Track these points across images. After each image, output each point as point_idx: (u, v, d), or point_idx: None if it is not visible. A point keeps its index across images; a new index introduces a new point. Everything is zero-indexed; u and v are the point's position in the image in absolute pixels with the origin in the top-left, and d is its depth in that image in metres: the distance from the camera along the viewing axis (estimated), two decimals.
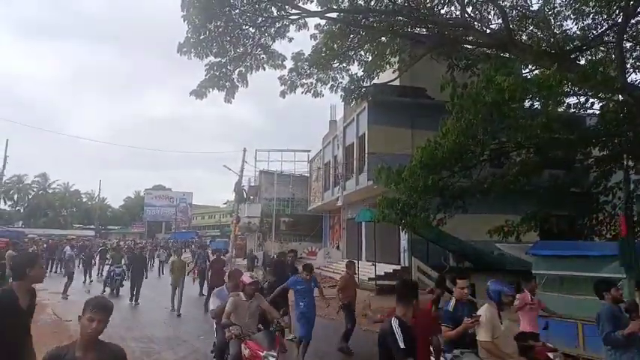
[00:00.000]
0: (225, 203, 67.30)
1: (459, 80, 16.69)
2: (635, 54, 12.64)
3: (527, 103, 10.85)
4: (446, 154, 9.02)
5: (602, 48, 13.57)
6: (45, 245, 24.56)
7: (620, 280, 7.59)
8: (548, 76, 6.50)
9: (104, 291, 14.85)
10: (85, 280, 18.35)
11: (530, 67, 11.81)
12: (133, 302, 13.43)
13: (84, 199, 76.13)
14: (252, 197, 31.82)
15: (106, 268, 17.87)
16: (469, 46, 16.47)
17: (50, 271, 21.32)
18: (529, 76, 9.79)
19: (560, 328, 8.34)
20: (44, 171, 71.38)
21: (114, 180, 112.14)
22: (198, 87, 13.05)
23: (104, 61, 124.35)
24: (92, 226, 57.36)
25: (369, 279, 15.71)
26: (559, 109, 9.70)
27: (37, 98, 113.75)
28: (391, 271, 15.99)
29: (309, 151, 31.82)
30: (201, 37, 12.18)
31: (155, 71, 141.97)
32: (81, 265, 19.62)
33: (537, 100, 8.25)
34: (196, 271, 15.45)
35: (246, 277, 5.58)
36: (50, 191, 70.43)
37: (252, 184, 32.14)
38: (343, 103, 23.96)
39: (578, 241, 10.31)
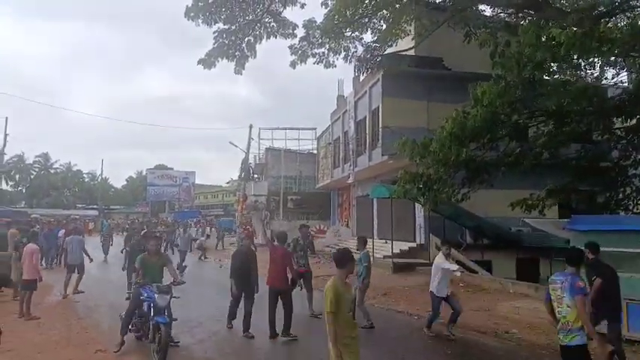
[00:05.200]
0: (229, 182, 66.85)
1: (475, 49, 16.04)
2: None
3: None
4: (478, 123, 8.36)
5: (627, 14, 12.79)
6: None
7: None
8: (609, 30, 5.81)
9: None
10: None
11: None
12: None
13: (86, 179, 75.67)
14: (257, 176, 31.22)
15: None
16: (488, 14, 15.66)
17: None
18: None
19: None
20: (45, 151, 70.71)
21: (115, 160, 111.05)
22: (206, 56, 12.35)
23: (102, 40, 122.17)
24: (95, 206, 57.01)
25: (384, 257, 15.23)
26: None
27: (37, 78, 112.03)
28: (407, 248, 15.54)
29: (314, 128, 31.15)
30: (210, 1, 11.39)
31: (154, 50, 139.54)
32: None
33: (591, 59, 7.51)
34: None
35: None
36: (52, 171, 69.87)
37: (258, 162, 31.50)
38: (353, 77, 23.21)
39: (618, 215, 9.76)
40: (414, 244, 15.73)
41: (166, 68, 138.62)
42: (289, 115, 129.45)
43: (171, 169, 64.95)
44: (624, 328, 7.57)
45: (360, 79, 21.79)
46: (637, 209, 11.87)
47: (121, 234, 28.30)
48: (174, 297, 6.43)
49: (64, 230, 17.44)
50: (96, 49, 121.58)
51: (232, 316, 7.85)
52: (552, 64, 6.50)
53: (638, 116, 11.58)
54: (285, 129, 32.31)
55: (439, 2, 15.35)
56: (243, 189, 23.87)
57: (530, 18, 13.57)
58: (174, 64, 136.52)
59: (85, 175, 75.39)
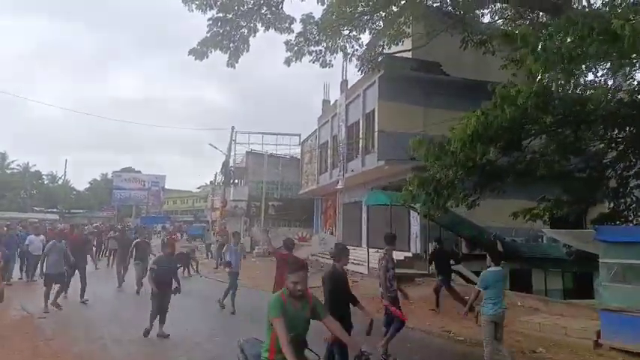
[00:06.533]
0: (199, 187, 64.91)
1: (473, 56, 15.69)
2: None
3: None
4: (505, 123, 7.76)
5: None
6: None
7: None
8: None
9: None
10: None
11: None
12: None
13: (45, 181, 71.68)
14: (236, 181, 29.95)
15: None
16: (484, 21, 15.49)
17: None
18: None
19: (632, 323, 7.38)
20: (2, 150, 66.49)
21: (77, 162, 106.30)
22: (198, 45, 11.35)
23: (70, 39, 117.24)
24: (55, 209, 53.79)
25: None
26: None
27: None
28: (403, 258, 14.79)
29: (298, 134, 30.23)
30: None
31: (125, 50, 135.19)
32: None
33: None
34: None
35: None
36: (8, 172, 65.73)
37: (237, 166, 30.22)
38: (341, 81, 22.56)
39: None
40: (409, 254, 15.06)
41: (137, 70, 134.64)
42: (266, 122, 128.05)
43: (139, 172, 62.39)
44: None
45: (348, 85, 21.15)
46: (637, 221, 11.67)
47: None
48: None
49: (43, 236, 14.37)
50: (64, 46, 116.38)
51: None
52: (603, 61, 5.95)
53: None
54: (263, 133, 31.16)
55: (437, 6, 15.02)
56: (223, 194, 22.66)
57: (525, 23, 13.37)
58: (145, 66, 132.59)
59: (44, 177, 71.48)
